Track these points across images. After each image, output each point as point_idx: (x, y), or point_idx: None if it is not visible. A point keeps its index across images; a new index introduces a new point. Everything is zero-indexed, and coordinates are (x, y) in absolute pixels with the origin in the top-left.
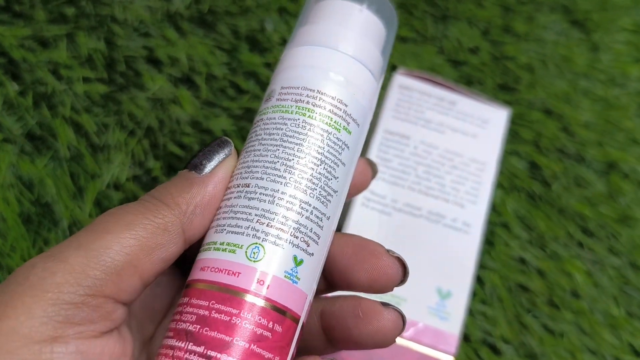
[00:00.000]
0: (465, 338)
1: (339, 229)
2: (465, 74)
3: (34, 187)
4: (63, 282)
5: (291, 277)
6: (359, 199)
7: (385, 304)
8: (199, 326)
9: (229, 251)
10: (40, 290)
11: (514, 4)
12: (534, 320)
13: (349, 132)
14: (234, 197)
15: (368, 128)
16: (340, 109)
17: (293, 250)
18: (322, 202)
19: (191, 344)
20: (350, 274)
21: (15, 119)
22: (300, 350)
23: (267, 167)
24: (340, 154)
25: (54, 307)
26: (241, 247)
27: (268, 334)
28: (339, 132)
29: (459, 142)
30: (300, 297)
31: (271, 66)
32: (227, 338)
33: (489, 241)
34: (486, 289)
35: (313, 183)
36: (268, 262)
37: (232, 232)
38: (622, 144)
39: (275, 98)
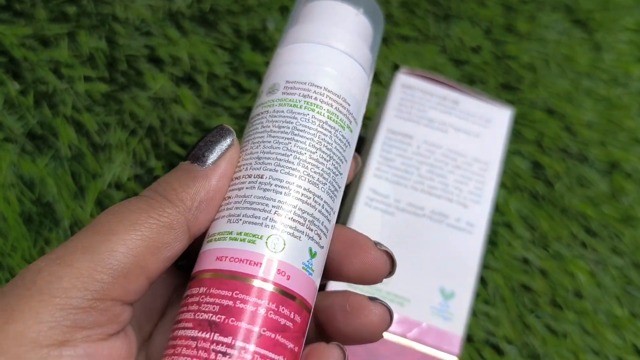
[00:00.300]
0: (468, 338)
1: None
2: (468, 73)
3: (35, 187)
4: (70, 287)
5: (307, 269)
6: (362, 198)
7: (373, 299)
8: (224, 316)
9: (248, 241)
10: (48, 295)
11: (516, 3)
12: (536, 320)
13: (351, 131)
14: (247, 188)
15: (359, 129)
16: (345, 108)
17: (309, 242)
18: (331, 197)
19: (217, 334)
20: (341, 266)
21: (16, 118)
22: None
23: (280, 160)
24: (344, 150)
25: (62, 312)
26: (261, 238)
27: (290, 324)
28: (344, 129)
29: (462, 142)
30: (313, 289)
31: None
32: (255, 328)
33: (492, 241)
34: (489, 289)
35: (324, 177)
36: (288, 253)
37: (249, 223)
38: (624, 144)
39: (281, 92)
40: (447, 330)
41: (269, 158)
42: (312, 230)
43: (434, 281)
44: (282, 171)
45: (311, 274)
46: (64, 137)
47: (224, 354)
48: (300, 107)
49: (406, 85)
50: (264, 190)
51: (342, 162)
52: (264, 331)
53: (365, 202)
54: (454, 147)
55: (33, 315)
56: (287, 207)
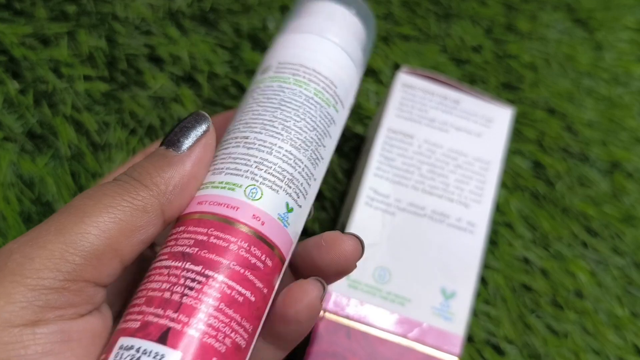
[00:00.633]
0: (469, 338)
1: (342, 228)
2: (469, 73)
3: (34, 186)
4: (42, 268)
5: (282, 220)
6: (363, 198)
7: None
8: (197, 249)
9: (228, 189)
10: (20, 276)
11: (518, 2)
12: (537, 320)
13: (337, 110)
14: (232, 147)
15: (348, 115)
16: (331, 89)
17: (286, 197)
18: (312, 163)
19: (189, 263)
20: (316, 261)
21: (15, 117)
22: None
23: (265, 124)
24: (329, 126)
25: (33, 292)
26: (240, 187)
27: (260, 264)
28: (329, 107)
29: (462, 141)
30: (287, 241)
31: None
32: (225, 261)
33: (493, 241)
34: (490, 289)
35: (306, 144)
36: (264, 202)
37: (230, 174)
38: (626, 143)
39: (273, 71)
40: (448, 330)
41: (255, 123)
42: (290, 187)
43: (435, 281)
44: (266, 134)
45: (286, 226)
46: (63, 137)
47: (193, 280)
48: (289, 83)
49: (407, 84)
50: (248, 148)
51: (326, 136)
52: (233, 265)
53: (366, 202)
54: (455, 147)
55: (5, 296)
56: (268, 163)
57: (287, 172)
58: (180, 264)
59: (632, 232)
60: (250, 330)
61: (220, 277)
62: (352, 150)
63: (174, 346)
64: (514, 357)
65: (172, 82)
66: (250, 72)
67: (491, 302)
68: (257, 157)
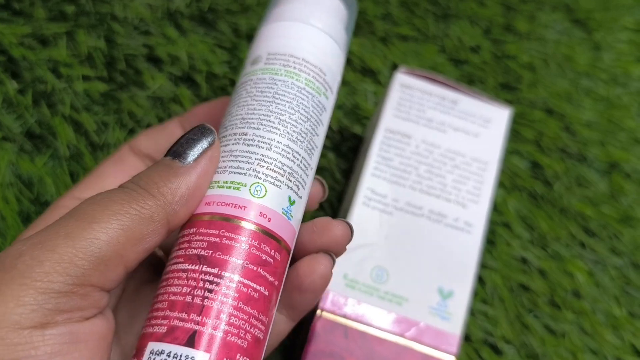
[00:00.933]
0: (466, 338)
1: None
2: (467, 73)
3: (33, 186)
4: (52, 272)
5: (287, 214)
6: (360, 198)
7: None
8: (211, 251)
9: (234, 188)
10: (29, 279)
11: (516, 2)
12: (535, 320)
13: (327, 98)
14: (232, 144)
15: (336, 99)
16: (321, 77)
17: (288, 191)
18: (308, 154)
19: (205, 266)
20: (308, 247)
21: (14, 117)
22: None
23: (262, 119)
24: (321, 114)
25: (43, 296)
26: (245, 186)
27: (270, 260)
28: (320, 96)
29: (460, 141)
30: (292, 232)
31: None
32: (239, 261)
33: (490, 241)
34: (487, 289)
35: (302, 136)
36: (269, 199)
37: (234, 173)
38: (624, 144)
39: (263, 62)
40: (445, 329)
41: (252, 118)
42: (291, 181)
43: (432, 281)
44: (264, 129)
45: (290, 219)
46: (62, 137)
47: (211, 282)
48: (281, 74)
49: (405, 84)
50: (248, 145)
51: (319, 125)
52: (247, 264)
53: (364, 202)
54: (453, 147)
55: (14, 298)
56: (269, 160)
57: (287, 166)
58: (197, 267)
59: (630, 233)
60: (266, 322)
61: (236, 277)
62: (350, 151)
63: (201, 348)
64: (511, 357)
65: (170, 82)
66: None
67: (489, 301)
68: (257, 154)
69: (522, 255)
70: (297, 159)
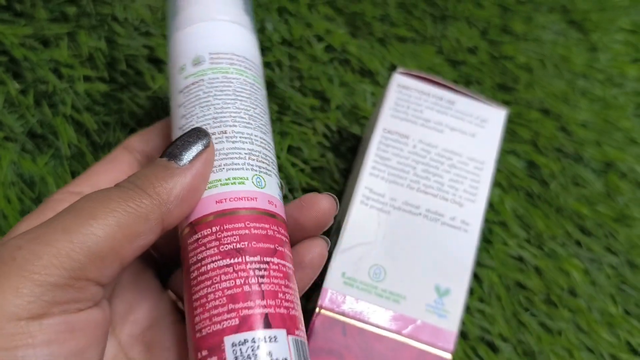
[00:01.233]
0: (463, 336)
1: (339, 226)
2: (464, 74)
3: (35, 186)
4: (49, 265)
5: (280, 197)
6: (358, 197)
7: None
8: (246, 242)
9: (239, 183)
10: (27, 271)
11: (513, 4)
12: (531, 318)
13: (261, 84)
14: (216, 144)
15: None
16: (255, 68)
17: (275, 178)
18: (271, 139)
19: (247, 256)
20: (298, 220)
21: (16, 117)
22: None
23: (234, 117)
24: (265, 100)
25: (41, 288)
26: (247, 179)
27: (285, 239)
28: (260, 84)
29: (457, 141)
30: (283, 210)
31: (271, 65)
32: (271, 246)
33: (487, 239)
34: (484, 287)
35: (266, 127)
36: (269, 187)
37: (232, 169)
38: (620, 144)
39: (208, 62)
40: (442, 327)
41: (224, 117)
42: (273, 169)
43: (429, 279)
44: (240, 126)
45: (281, 200)
46: (63, 137)
47: (259, 269)
48: (231, 72)
49: (403, 85)
50: (232, 142)
51: (267, 112)
52: (277, 247)
53: (362, 201)
54: (450, 147)
55: (13, 290)
56: (255, 153)
57: (267, 155)
58: (240, 260)
59: (626, 232)
60: (297, 292)
61: (275, 260)
62: (349, 151)
63: (277, 326)
64: (508, 355)
65: None
66: None
67: (486, 300)
68: (244, 149)
69: (518, 253)
70: (270, 148)
